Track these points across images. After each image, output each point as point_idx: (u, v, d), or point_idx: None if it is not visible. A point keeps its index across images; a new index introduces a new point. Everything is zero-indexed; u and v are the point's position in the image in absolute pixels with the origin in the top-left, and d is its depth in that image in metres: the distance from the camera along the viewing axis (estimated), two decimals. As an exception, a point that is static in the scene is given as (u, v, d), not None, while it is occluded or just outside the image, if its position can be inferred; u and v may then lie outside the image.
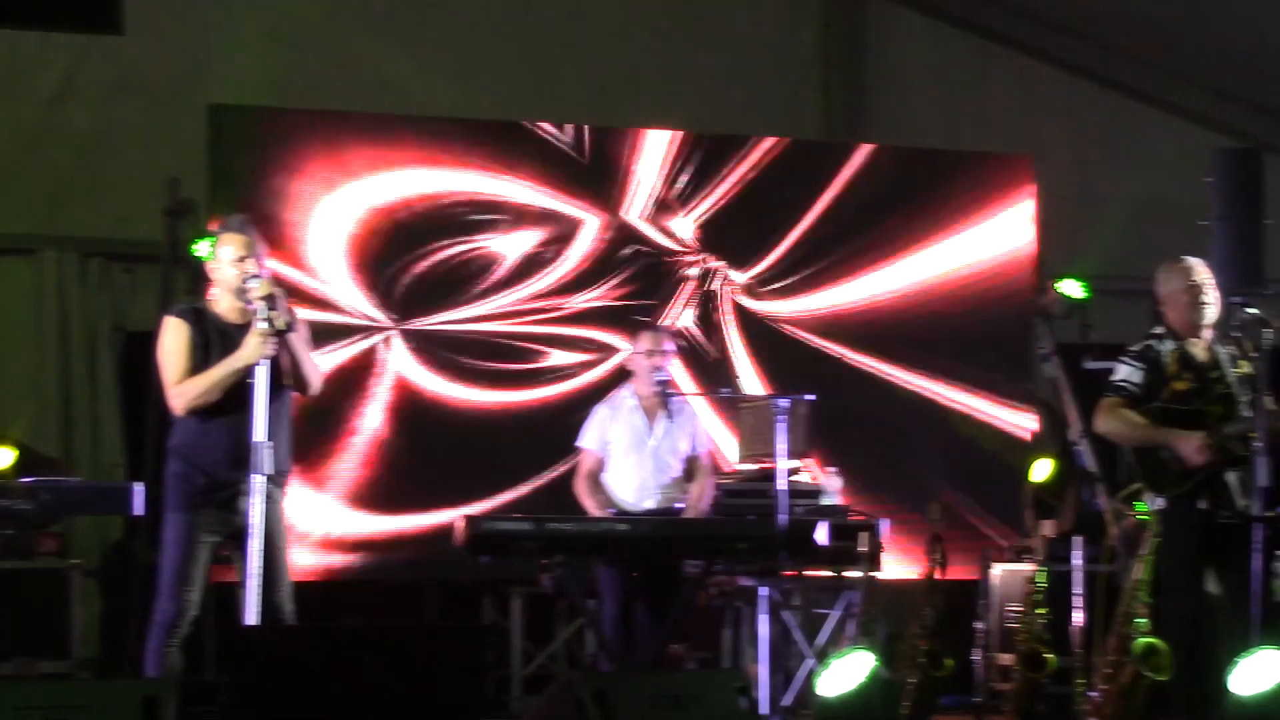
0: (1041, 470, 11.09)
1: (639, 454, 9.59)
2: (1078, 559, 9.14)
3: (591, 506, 9.53)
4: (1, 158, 11.93)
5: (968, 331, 12.21)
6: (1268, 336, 8.17)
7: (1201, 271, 8.52)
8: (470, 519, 8.48)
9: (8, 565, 10.04)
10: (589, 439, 9.71)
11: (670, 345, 9.68)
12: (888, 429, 11.96)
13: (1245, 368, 8.26)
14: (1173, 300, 8.55)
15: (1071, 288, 12.53)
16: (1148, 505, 8.36)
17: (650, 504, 9.53)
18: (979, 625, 9.19)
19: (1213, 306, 8.43)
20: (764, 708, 8.98)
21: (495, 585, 11.21)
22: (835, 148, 12.59)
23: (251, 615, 7.26)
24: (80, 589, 10.21)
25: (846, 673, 8.78)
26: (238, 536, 7.44)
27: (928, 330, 12.14)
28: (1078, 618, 8.97)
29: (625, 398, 9.74)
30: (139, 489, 8.81)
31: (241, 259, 7.61)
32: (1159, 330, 8.57)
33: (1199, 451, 8.21)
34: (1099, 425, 8.68)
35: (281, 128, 11.25)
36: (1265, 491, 8.03)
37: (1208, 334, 8.44)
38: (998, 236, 12.41)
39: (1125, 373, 8.52)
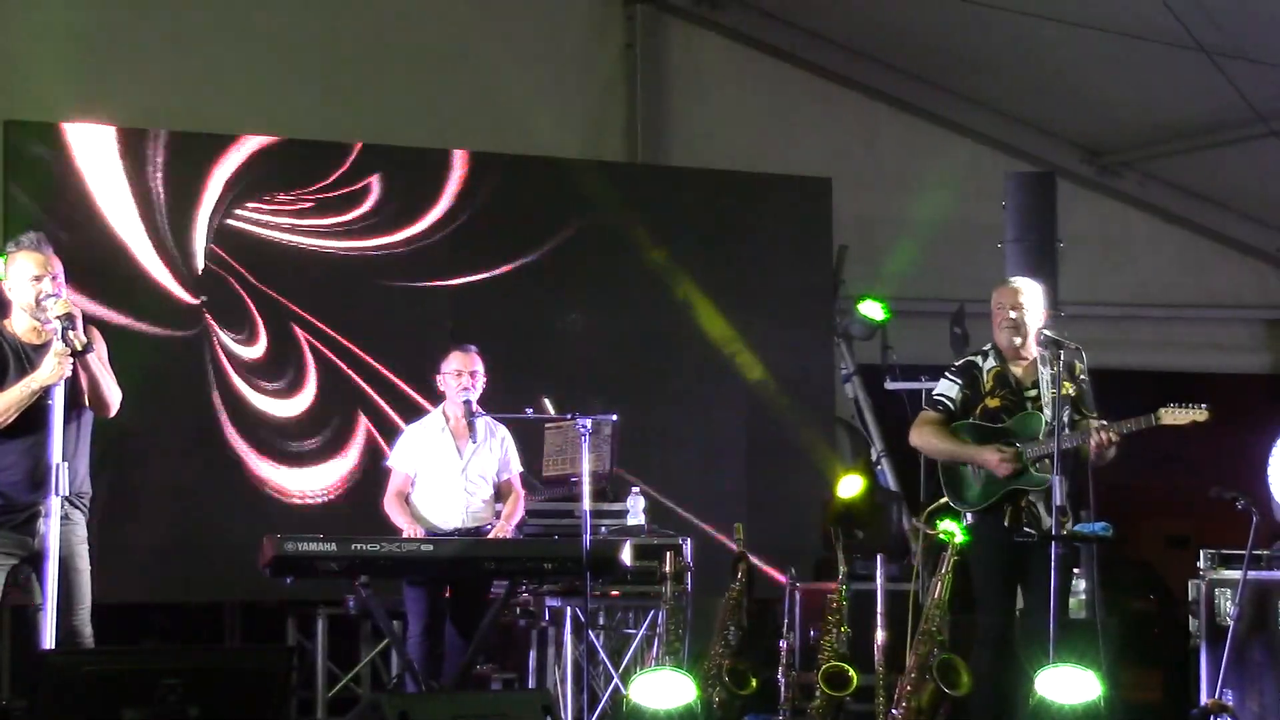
0: (849, 487, 11.14)
1: (447, 475, 9.50)
2: (880, 577, 9.19)
3: (399, 526, 9.41)
4: None
5: (769, 352, 12.24)
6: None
7: (1020, 293, 8.56)
8: (274, 539, 8.37)
9: None
10: (398, 459, 9.60)
11: (479, 365, 9.59)
12: (693, 449, 11.97)
13: (1068, 389, 8.32)
14: (992, 319, 8.63)
15: (871, 309, 12.61)
16: (962, 522, 8.44)
17: (458, 524, 9.44)
18: (783, 644, 9.19)
19: (1023, 329, 8.47)
20: (570, 727, 8.93)
21: (299, 606, 11.05)
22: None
23: (48, 639, 7.09)
24: None
25: (662, 689, 8.74)
26: (35, 559, 7.27)
27: (734, 349, 12.14)
28: (880, 635, 9.01)
29: (435, 418, 9.65)
30: (-66, 511, 8.62)
31: (38, 278, 7.43)
32: (986, 347, 8.66)
33: (997, 465, 8.29)
34: (912, 438, 8.78)
35: (79, 144, 11.03)
36: (1061, 510, 8.11)
37: (1032, 353, 8.48)
38: (797, 258, 12.46)
39: (943, 387, 8.63)
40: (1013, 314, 8.50)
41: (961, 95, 14.15)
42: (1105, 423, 8.23)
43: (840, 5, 13.54)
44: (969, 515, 8.45)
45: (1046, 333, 8.40)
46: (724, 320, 12.16)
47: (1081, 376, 8.47)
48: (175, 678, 6.58)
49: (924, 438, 8.64)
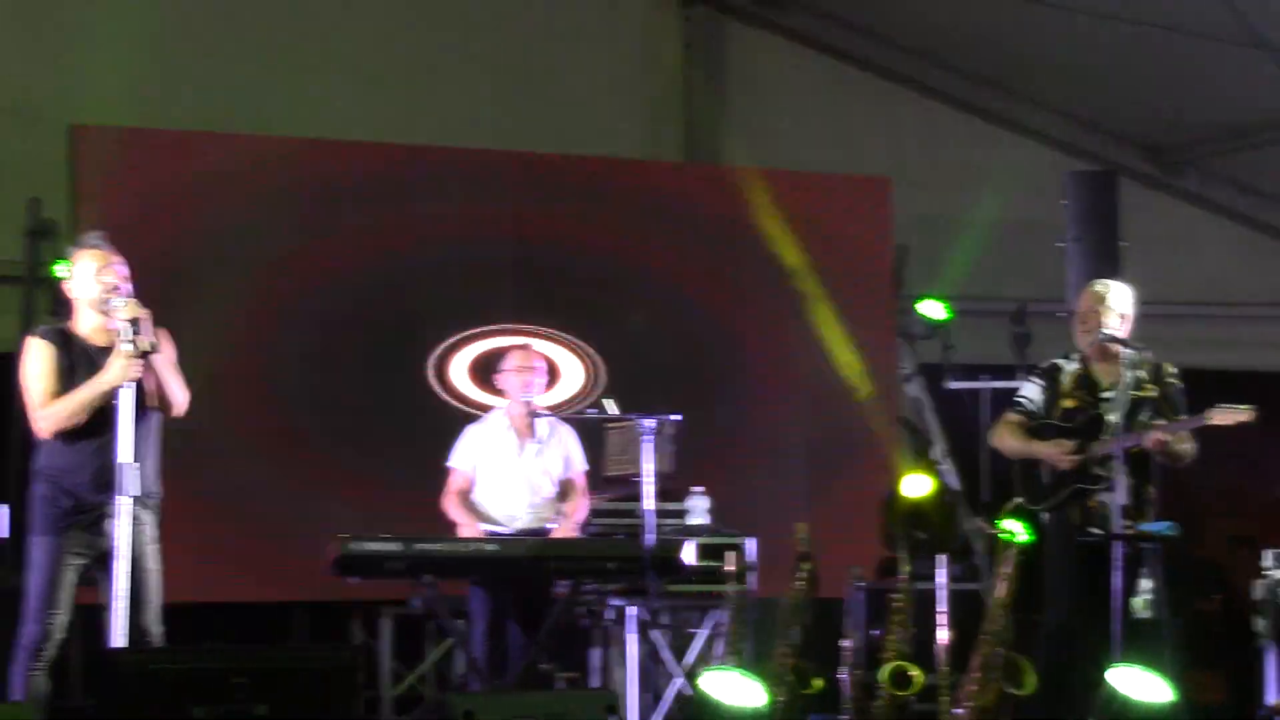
0: (917, 487, 11.11)
1: (509, 473, 9.51)
2: (943, 577, 9.15)
3: (461, 525, 9.43)
4: None
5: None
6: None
7: (1108, 296, 8.56)
8: (339, 539, 8.41)
9: None
10: (458, 459, 9.62)
11: (540, 363, 9.60)
12: (756, 449, 11.95)
13: (1149, 390, 8.32)
14: (1075, 321, 8.65)
15: (932, 308, 12.58)
16: (1029, 523, 8.46)
17: (521, 524, 9.45)
18: (846, 643, 9.16)
19: (1108, 331, 8.47)
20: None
21: (364, 606, 11.08)
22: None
23: (118, 638, 7.14)
24: (-58, 613, 10.00)
25: (734, 687, 8.76)
26: (104, 559, 7.32)
27: (797, 348, 12.12)
28: (943, 635, 8.97)
29: (496, 417, 9.66)
30: (3, 511, 8.71)
31: (99, 271, 7.50)
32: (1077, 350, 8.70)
33: (1060, 460, 8.32)
34: (992, 439, 8.85)
35: (143, 148, 11.10)
36: (1125, 509, 8.11)
37: (1118, 354, 8.45)
38: (857, 257, 12.43)
39: (1026, 389, 8.74)
40: (1094, 316, 8.52)
41: (1022, 95, 14.10)
42: (1163, 423, 8.25)
43: (899, 6, 13.50)
44: (1040, 515, 8.49)
45: (1108, 333, 8.39)
46: (787, 318, 12.12)
47: (1169, 379, 8.47)
48: (243, 676, 6.62)
49: (1000, 438, 8.74)
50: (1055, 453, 8.42)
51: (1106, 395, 8.47)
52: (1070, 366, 8.63)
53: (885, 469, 11.98)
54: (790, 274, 12.18)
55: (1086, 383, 8.56)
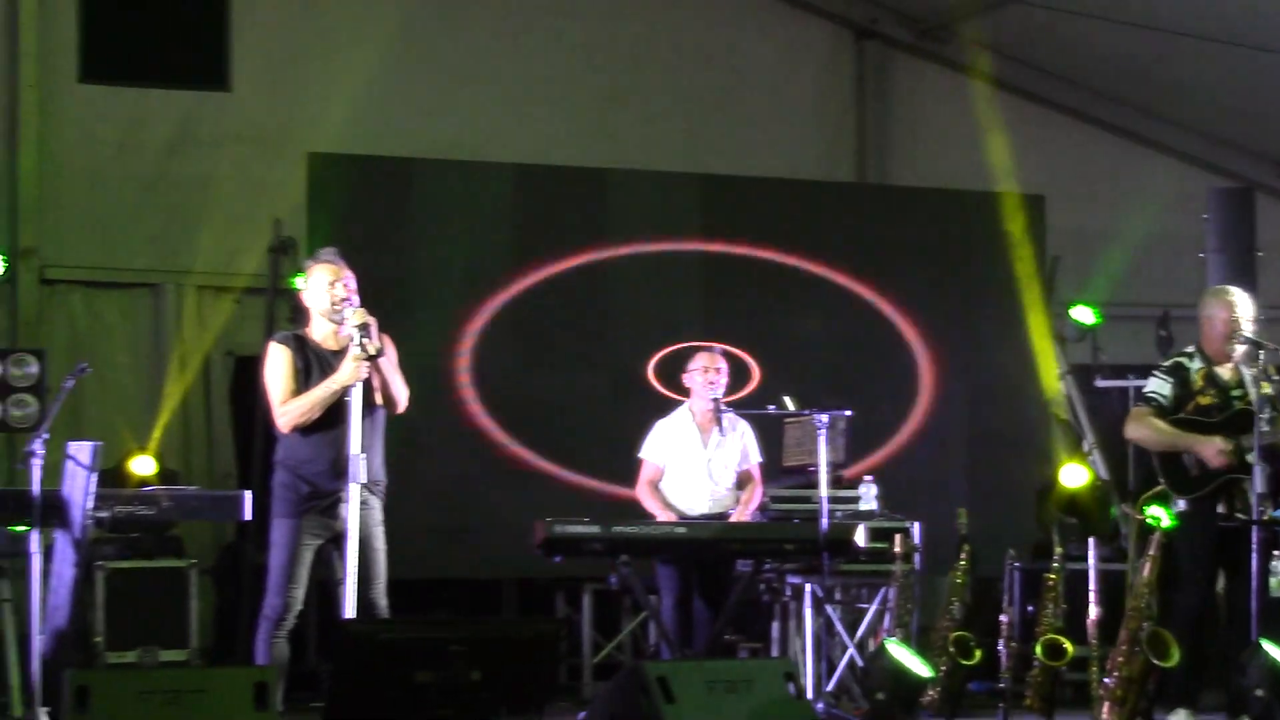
0: (1075, 477, 11.00)
1: (694, 464, 9.53)
2: (1094, 558, 9.05)
3: (652, 511, 9.47)
4: (125, 201, 12.01)
5: (990, 353, 12.08)
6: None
7: (1244, 304, 8.46)
8: (544, 522, 8.48)
9: (133, 564, 10.05)
10: (649, 451, 9.65)
11: (723, 365, 9.62)
12: (922, 442, 11.85)
13: (1267, 388, 8.22)
14: (1209, 325, 8.53)
15: (1083, 314, 12.49)
16: (1170, 507, 8.37)
17: (704, 509, 9.47)
18: (1003, 618, 9.09)
19: (1249, 335, 8.38)
20: (809, 693, 8.89)
21: (567, 582, 11.15)
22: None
23: (349, 610, 7.24)
24: (197, 586, 10.20)
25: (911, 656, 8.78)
26: (337, 539, 7.42)
27: (957, 350, 12.02)
28: (1093, 611, 8.87)
29: (682, 413, 9.68)
30: (248, 497, 8.88)
31: (331, 283, 7.60)
32: (1189, 349, 8.59)
33: (1218, 455, 8.23)
34: (1128, 431, 8.74)
35: (371, 172, 11.24)
36: (1262, 496, 8.05)
37: (1236, 356, 8.39)
38: (1015, 268, 12.29)
39: (1155, 385, 8.59)
40: (1233, 321, 8.40)
41: (1166, 117, 13.91)
42: None
43: (1052, 37, 13.33)
44: (1181, 501, 8.39)
45: (1246, 335, 8.29)
46: (949, 323, 12.02)
47: (1276, 377, 8.32)
48: (460, 645, 6.68)
49: (1143, 430, 8.61)
50: (1212, 450, 8.30)
51: (1235, 393, 8.37)
52: (1195, 365, 8.50)
53: (1038, 460, 11.85)
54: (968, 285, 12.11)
55: (1216, 381, 8.44)
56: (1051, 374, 12.19)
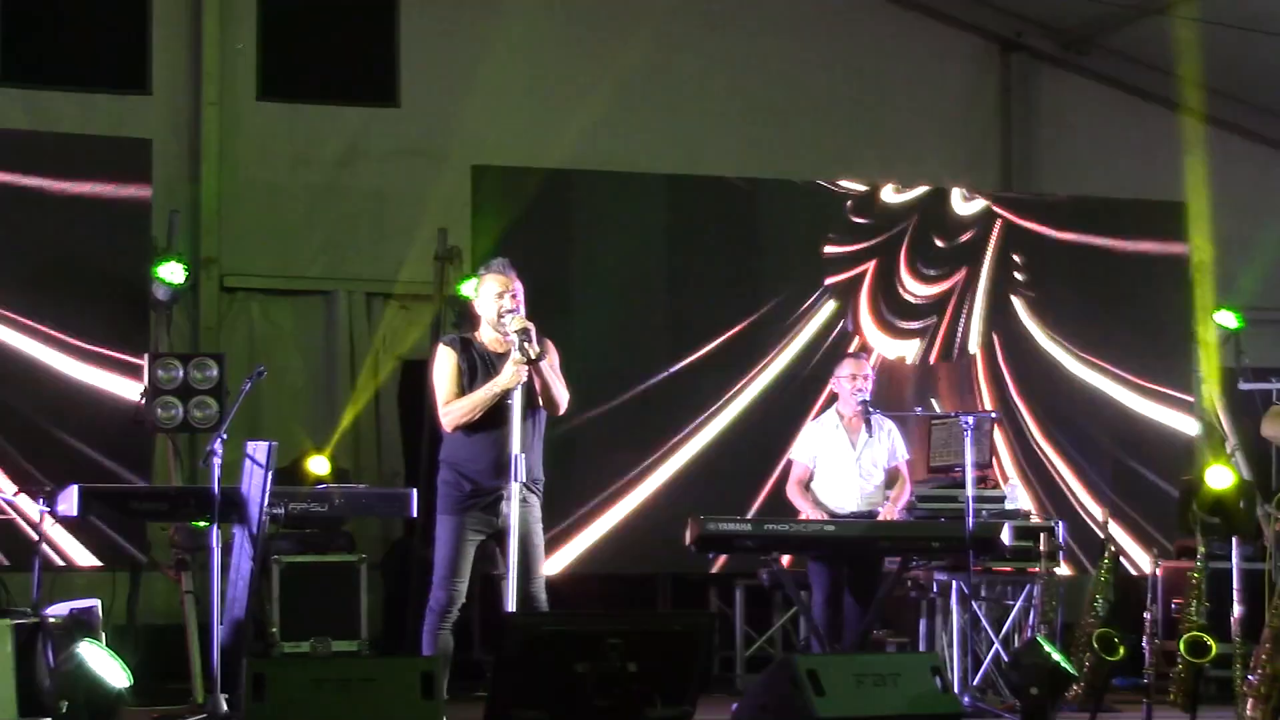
0: (1221, 479, 10.82)
1: (843, 466, 9.46)
2: (1235, 557, 8.88)
3: (802, 509, 9.41)
4: (299, 213, 12.17)
5: (1133, 357, 11.88)
6: None
7: None
8: (698, 520, 8.45)
9: (307, 559, 10.15)
10: (799, 452, 9.60)
11: (870, 370, 9.55)
12: (1068, 444, 11.67)
13: None
14: None
15: (1226, 318, 12.26)
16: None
17: (853, 508, 9.39)
18: (1147, 615, 8.94)
19: None
20: (955, 687, 8.79)
21: (720, 578, 11.10)
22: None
23: (511, 603, 7.25)
24: (366, 580, 10.28)
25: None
26: (499, 535, 7.44)
27: (1101, 354, 11.83)
28: (1236, 609, 8.70)
29: (830, 416, 9.62)
30: (415, 494, 8.93)
31: (499, 294, 7.61)
32: None
33: None
34: (1265, 429, 8.59)
35: (532, 184, 11.25)
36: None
37: None
38: (1156, 273, 12.09)
39: None
40: None
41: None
42: None
43: (1193, 48, 13.12)
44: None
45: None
46: (1093, 328, 11.84)
47: None
48: (617, 637, 6.66)
49: (1276, 428, 8.42)
50: None
51: None
52: None
53: (1182, 462, 11.64)
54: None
55: None
56: (1201, 377, 11.98)
